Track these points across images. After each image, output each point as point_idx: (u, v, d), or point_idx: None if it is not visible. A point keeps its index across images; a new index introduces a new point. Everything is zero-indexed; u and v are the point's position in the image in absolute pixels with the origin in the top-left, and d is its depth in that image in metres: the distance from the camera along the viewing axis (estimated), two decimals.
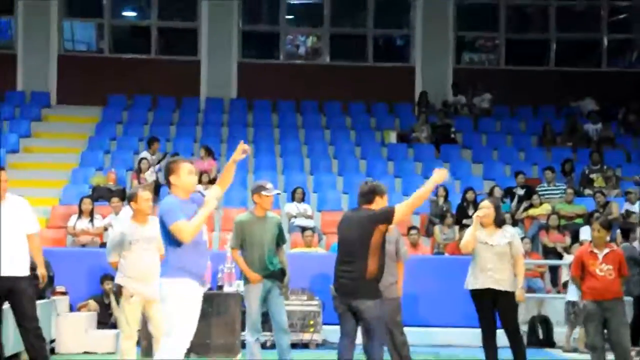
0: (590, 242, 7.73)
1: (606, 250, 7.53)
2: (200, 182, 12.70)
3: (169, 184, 5.55)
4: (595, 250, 7.54)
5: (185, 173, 5.49)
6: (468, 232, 7.57)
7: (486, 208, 7.53)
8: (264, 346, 8.23)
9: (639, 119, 17.47)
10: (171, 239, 5.39)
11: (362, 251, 6.16)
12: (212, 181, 14.49)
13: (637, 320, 10.39)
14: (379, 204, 6.37)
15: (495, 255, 7.41)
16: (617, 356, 7.56)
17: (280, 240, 7.56)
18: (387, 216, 6.18)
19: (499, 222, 7.55)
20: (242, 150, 5.70)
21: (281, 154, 16.34)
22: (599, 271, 7.45)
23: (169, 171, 5.54)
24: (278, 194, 7.61)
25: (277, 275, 7.46)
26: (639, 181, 15.03)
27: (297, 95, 18.07)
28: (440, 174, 6.21)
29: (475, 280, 7.47)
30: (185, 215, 5.33)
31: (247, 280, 7.48)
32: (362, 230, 6.18)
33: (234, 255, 7.59)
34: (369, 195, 6.40)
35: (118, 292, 7.16)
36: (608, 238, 7.80)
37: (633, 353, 10.16)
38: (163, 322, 5.65)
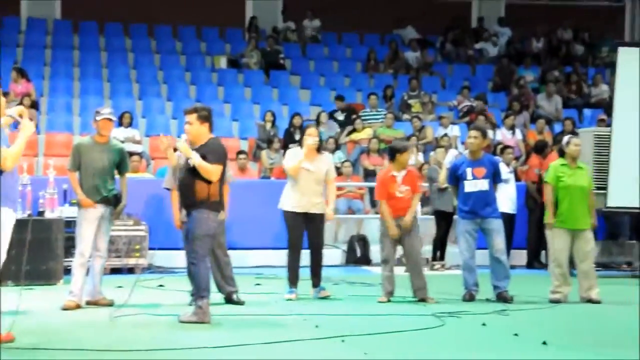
0: (392, 161, 8.06)
1: (403, 173, 8.04)
2: (22, 104, 12.27)
3: None
4: (395, 174, 8.02)
5: None
6: (297, 158, 8.06)
7: (316, 135, 8.11)
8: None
9: (455, 48, 18.43)
10: None
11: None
12: (34, 105, 14.05)
13: (442, 235, 11.24)
14: None
15: (314, 180, 8.08)
16: (409, 266, 8.07)
17: (122, 167, 7.65)
18: None
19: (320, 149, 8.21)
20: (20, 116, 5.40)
21: (109, 78, 16.01)
22: (398, 193, 7.98)
23: None
24: (109, 119, 7.57)
25: (111, 201, 7.51)
26: (452, 107, 15.95)
27: (125, 17, 17.64)
28: None
29: (296, 203, 8.06)
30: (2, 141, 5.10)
31: (80, 205, 7.51)
32: None
33: (70, 177, 7.60)
34: None
35: None
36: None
37: (438, 266, 11.08)
38: None
